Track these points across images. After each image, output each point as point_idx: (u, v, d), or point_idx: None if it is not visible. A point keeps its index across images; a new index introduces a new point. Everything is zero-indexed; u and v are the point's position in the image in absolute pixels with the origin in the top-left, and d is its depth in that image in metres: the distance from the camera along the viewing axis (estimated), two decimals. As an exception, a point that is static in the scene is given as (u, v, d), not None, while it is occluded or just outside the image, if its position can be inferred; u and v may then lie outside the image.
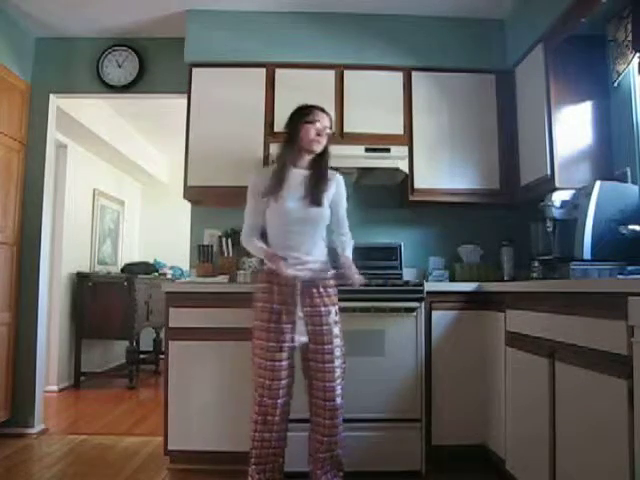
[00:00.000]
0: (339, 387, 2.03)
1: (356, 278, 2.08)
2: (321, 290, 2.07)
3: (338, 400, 2.02)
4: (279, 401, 2.01)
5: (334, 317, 2.07)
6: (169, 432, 2.47)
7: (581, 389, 1.61)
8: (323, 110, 2.15)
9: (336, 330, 2.06)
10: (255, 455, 2.04)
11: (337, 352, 2.04)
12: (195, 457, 2.49)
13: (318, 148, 2.10)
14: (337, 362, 2.03)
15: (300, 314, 2.01)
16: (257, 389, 2.03)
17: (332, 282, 2.14)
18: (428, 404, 2.49)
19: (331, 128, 2.17)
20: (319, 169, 2.12)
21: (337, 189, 2.19)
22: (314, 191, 2.07)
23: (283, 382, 2.01)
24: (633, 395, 1.34)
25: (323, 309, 2.05)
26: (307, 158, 2.13)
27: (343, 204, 2.22)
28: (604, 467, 1.48)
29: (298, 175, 2.11)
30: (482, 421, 2.51)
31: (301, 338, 2.01)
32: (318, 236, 2.13)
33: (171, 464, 2.53)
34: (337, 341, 2.05)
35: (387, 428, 2.45)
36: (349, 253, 2.20)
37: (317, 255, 2.11)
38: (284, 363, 2.01)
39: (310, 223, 2.08)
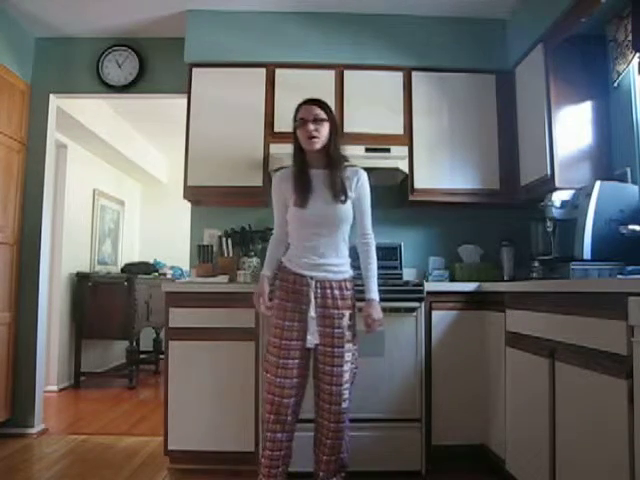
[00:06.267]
0: (346, 392, 1.99)
1: (375, 325, 2.01)
2: (335, 292, 2.01)
3: (344, 404, 1.99)
4: (291, 400, 1.97)
5: (347, 321, 2.00)
6: (169, 432, 2.47)
7: (581, 389, 1.61)
8: (311, 101, 2.05)
9: (348, 334, 2.00)
10: (266, 457, 1.99)
11: (347, 357, 1.98)
12: (195, 457, 2.49)
13: (315, 145, 2.01)
14: (346, 366, 1.98)
15: (313, 314, 1.96)
16: (269, 388, 1.99)
17: (350, 285, 2.06)
18: (428, 404, 2.50)
19: (329, 115, 2.04)
20: (331, 164, 2.03)
21: (358, 185, 2.06)
22: (333, 188, 2.00)
23: (295, 381, 1.97)
24: (633, 395, 1.34)
25: (336, 312, 1.99)
26: (318, 157, 2.05)
27: (364, 201, 2.08)
28: (604, 467, 1.48)
29: (316, 176, 2.04)
30: (482, 421, 2.51)
31: (313, 340, 1.96)
32: (339, 237, 2.04)
33: (171, 464, 2.53)
34: (349, 346, 1.99)
35: (387, 428, 2.45)
36: (373, 286, 2.05)
37: (334, 257, 2.03)
38: (296, 362, 1.97)
39: (329, 224, 2.01)
